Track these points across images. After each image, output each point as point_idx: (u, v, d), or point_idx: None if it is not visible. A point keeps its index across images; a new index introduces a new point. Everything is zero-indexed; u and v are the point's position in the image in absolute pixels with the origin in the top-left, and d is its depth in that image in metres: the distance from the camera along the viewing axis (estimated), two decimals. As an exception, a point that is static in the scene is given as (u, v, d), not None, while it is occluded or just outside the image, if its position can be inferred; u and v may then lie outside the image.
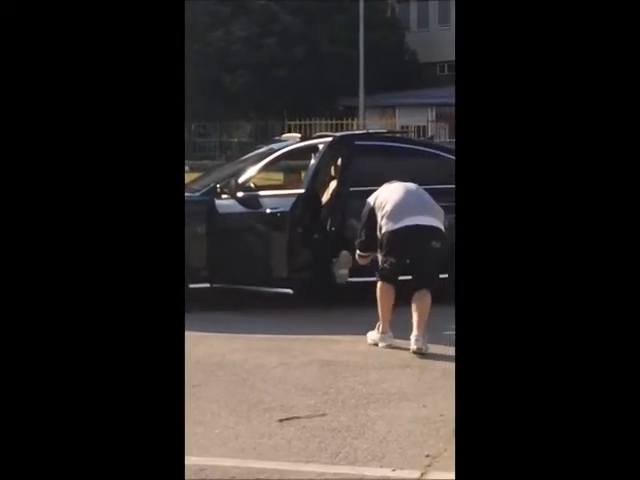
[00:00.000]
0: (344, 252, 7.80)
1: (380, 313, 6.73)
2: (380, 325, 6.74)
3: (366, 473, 4.17)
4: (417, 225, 6.61)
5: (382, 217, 6.71)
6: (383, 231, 6.71)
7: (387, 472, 4.18)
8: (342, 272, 7.93)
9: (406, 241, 6.62)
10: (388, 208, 6.68)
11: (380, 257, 6.81)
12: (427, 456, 4.32)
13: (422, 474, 4.15)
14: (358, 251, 7.16)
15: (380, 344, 6.69)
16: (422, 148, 9.10)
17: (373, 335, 6.78)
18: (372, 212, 6.84)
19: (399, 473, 4.18)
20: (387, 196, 6.79)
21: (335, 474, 4.19)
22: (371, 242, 6.91)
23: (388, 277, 6.72)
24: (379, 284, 6.76)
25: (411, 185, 6.91)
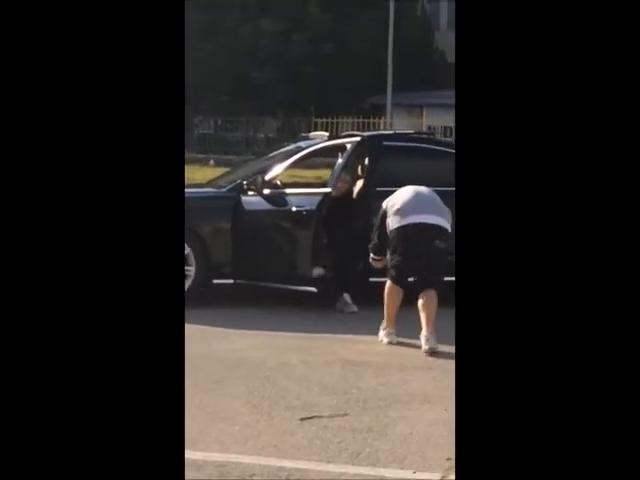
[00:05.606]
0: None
1: (385, 311, 6.89)
2: (385, 322, 6.86)
3: (386, 475, 4.17)
4: (422, 223, 6.71)
5: (390, 216, 6.82)
6: (390, 229, 6.83)
7: (408, 474, 4.19)
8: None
9: (411, 239, 6.73)
10: (396, 207, 6.83)
11: (389, 256, 6.87)
12: (448, 459, 4.31)
13: (442, 477, 4.16)
14: (371, 254, 7.23)
15: (384, 340, 6.81)
16: (449, 150, 9.05)
17: (379, 333, 6.90)
18: (384, 215, 6.92)
19: (419, 475, 4.18)
20: (397, 197, 6.92)
21: (355, 474, 4.19)
22: (383, 245, 6.97)
23: (397, 279, 6.79)
24: (388, 284, 6.90)
25: (422, 187, 7.03)
